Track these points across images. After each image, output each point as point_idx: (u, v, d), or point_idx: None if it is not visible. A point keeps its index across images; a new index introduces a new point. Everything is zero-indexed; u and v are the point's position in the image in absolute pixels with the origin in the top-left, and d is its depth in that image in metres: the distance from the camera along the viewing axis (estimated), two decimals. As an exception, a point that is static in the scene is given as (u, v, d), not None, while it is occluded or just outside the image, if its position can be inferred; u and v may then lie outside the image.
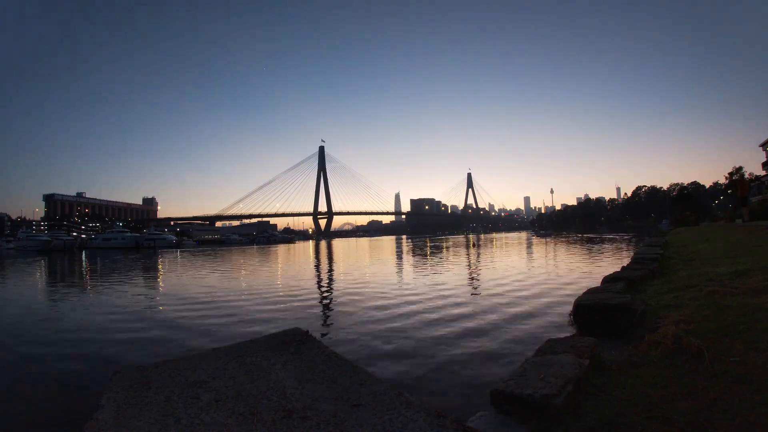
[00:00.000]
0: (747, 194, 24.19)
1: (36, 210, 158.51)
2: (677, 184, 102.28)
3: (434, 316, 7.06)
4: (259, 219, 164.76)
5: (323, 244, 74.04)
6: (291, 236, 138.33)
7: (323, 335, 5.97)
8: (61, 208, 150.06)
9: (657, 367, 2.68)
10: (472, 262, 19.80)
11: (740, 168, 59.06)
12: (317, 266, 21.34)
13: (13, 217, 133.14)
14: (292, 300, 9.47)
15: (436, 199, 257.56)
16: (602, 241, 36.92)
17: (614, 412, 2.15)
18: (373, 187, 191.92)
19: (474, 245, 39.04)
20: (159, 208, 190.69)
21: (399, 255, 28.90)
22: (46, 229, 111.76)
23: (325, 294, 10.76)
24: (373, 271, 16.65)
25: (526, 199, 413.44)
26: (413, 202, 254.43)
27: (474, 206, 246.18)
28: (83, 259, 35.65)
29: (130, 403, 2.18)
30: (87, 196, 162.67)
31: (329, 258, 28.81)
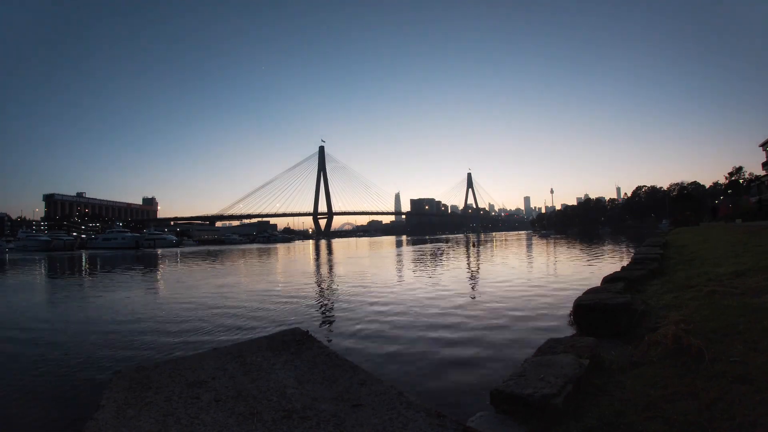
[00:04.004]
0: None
1: (36, 210, 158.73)
2: (677, 184, 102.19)
3: (435, 315, 7.05)
4: (259, 219, 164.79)
5: (323, 243, 74.05)
6: (291, 236, 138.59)
7: (323, 335, 5.96)
8: (61, 208, 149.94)
9: (657, 367, 2.68)
10: (472, 262, 19.80)
11: (740, 168, 58.92)
12: (317, 266, 21.34)
13: (13, 217, 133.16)
14: (292, 300, 9.47)
15: (436, 199, 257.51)
16: (602, 241, 36.93)
17: (614, 412, 2.15)
18: (373, 187, 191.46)
19: (474, 245, 39.04)
20: (159, 208, 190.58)
21: (399, 255, 28.90)
22: (46, 229, 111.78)
23: (326, 294, 10.75)
24: (373, 271, 16.65)
25: (526, 199, 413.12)
26: (413, 202, 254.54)
27: (474, 206, 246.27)
28: (83, 259, 35.65)
29: (130, 403, 2.18)
30: (87, 196, 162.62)
31: (329, 258, 28.81)
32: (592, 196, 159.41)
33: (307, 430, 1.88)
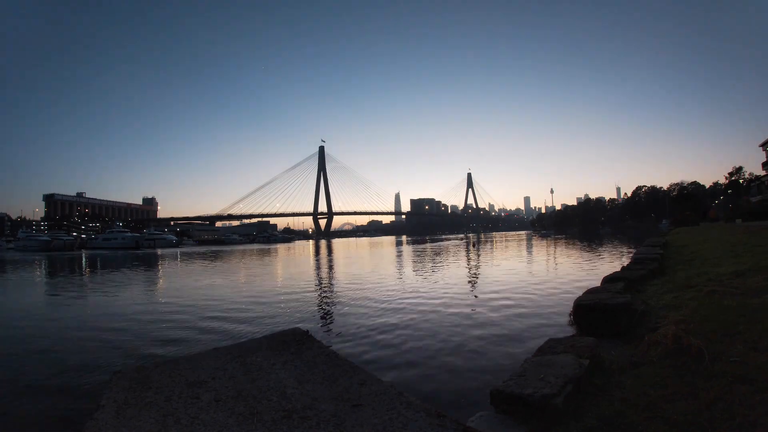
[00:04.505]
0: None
1: (36, 210, 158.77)
2: (677, 184, 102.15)
3: (434, 315, 7.06)
4: (259, 219, 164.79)
5: (323, 244, 74.05)
6: (291, 236, 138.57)
7: (323, 335, 5.97)
8: (61, 208, 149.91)
9: (657, 367, 2.68)
10: (472, 262, 19.80)
11: (740, 168, 58.87)
12: (317, 266, 21.34)
13: (13, 217, 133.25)
14: (292, 300, 9.47)
15: (436, 199, 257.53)
16: (602, 241, 36.92)
17: (614, 412, 2.15)
18: (373, 187, 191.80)
19: (474, 245, 39.03)
20: (159, 208, 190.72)
21: (399, 255, 28.90)
22: (46, 229, 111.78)
23: (325, 294, 10.75)
24: (372, 272, 16.65)
25: (526, 199, 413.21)
26: (413, 202, 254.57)
27: (474, 206, 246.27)
28: (83, 259, 35.65)
29: (130, 403, 2.18)
30: (87, 196, 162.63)
31: (329, 258, 28.81)
32: (592, 196, 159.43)
33: (307, 430, 1.88)
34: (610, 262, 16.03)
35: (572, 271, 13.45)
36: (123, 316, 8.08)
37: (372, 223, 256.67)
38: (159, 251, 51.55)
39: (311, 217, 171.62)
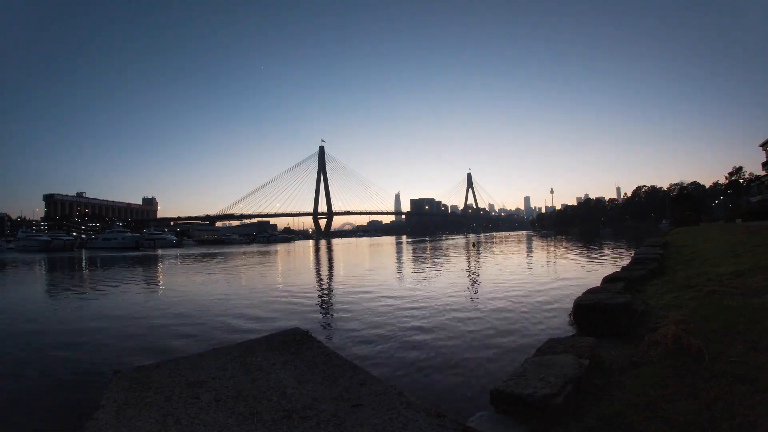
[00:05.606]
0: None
1: (36, 210, 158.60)
2: (677, 184, 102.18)
3: (433, 315, 7.05)
4: (259, 219, 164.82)
5: (323, 244, 74.04)
6: (291, 236, 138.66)
7: (323, 335, 5.96)
8: (61, 208, 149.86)
9: (657, 366, 2.68)
10: (472, 262, 19.80)
11: (740, 168, 58.81)
12: (317, 266, 21.35)
13: (13, 217, 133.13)
14: (292, 300, 9.47)
15: (436, 199, 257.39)
16: (603, 241, 36.92)
17: (614, 412, 2.15)
18: (373, 187, 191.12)
19: (474, 245, 39.03)
20: (159, 208, 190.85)
21: (399, 255, 28.90)
22: (46, 229, 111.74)
23: (325, 294, 10.75)
24: (372, 271, 16.65)
25: (526, 199, 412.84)
26: (413, 202, 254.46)
27: (474, 206, 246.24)
28: (83, 259, 35.65)
29: (130, 403, 2.18)
30: (87, 196, 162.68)
31: (329, 258, 28.82)
32: (592, 196, 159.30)
33: (307, 430, 1.88)
34: (611, 262, 16.03)
35: (572, 271, 13.44)
36: (122, 316, 8.07)
37: (372, 223, 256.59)
38: (159, 252, 51.50)
39: (311, 217, 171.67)
